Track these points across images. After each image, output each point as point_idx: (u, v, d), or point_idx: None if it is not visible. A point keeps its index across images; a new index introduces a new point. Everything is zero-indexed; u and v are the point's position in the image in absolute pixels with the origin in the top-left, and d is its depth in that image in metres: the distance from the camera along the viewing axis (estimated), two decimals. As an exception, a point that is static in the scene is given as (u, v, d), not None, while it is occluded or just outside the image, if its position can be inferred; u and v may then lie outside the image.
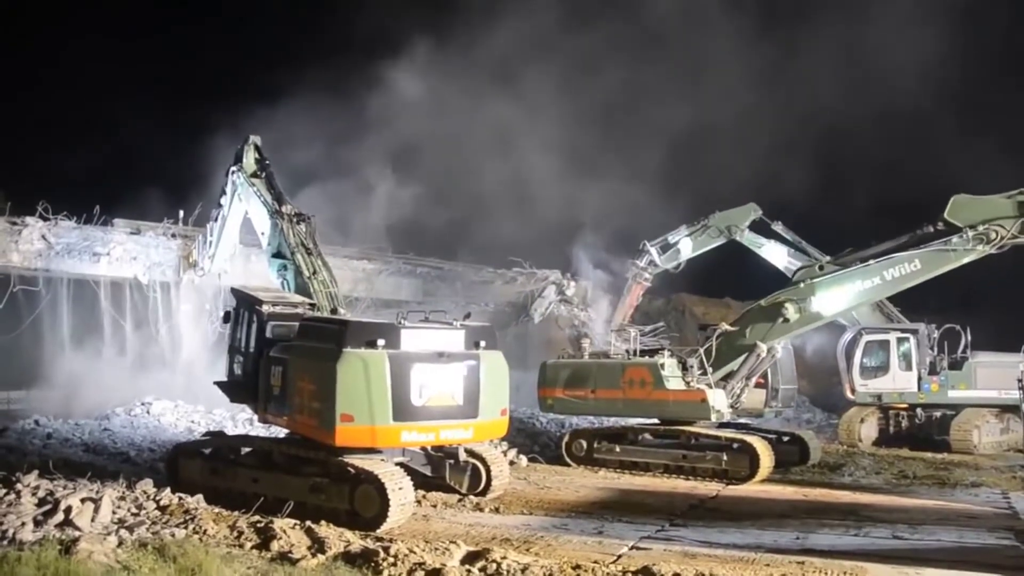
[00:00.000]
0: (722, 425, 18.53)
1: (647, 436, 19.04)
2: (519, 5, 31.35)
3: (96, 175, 34.99)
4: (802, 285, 17.89)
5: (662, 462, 18.26)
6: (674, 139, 31.73)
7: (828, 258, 18.78)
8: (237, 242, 20.24)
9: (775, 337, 18.02)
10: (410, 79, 28.96)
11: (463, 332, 13.62)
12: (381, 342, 12.64)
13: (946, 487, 17.24)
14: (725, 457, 17.56)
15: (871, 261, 17.29)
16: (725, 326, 18.51)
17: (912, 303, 25.41)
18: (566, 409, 20.22)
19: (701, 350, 18.41)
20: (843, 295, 17.69)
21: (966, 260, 16.67)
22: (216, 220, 20.15)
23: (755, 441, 17.48)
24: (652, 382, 18.28)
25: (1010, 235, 16.17)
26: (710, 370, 18.19)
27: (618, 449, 18.83)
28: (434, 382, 13.01)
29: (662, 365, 18.35)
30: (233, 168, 18.51)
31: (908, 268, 16.94)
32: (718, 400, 17.85)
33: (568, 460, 19.09)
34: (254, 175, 18.09)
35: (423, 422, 12.93)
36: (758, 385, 19.12)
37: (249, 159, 18.24)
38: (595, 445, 19.05)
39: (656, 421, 18.93)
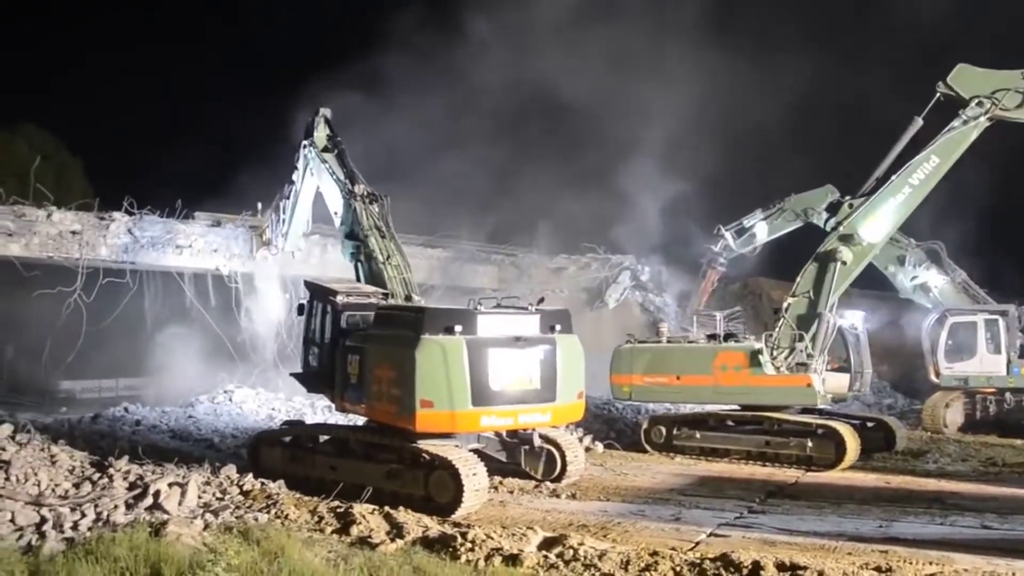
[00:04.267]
0: (803, 410, 18.10)
1: (729, 422, 18.52)
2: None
3: (177, 170, 35.87)
4: (842, 228, 18.18)
5: (744, 448, 17.83)
6: (752, 122, 31.27)
7: (848, 198, 18.77)
8: (310, 218, 19.91)
9: (840, 285, 17.95)
10: (486, 61, 29.04)
11: (538, 316, 13.61)
12: (458, 328, 12.68)
13: (1037, 475, 16.65)
14: (810, 443, 17.06)
15: (892, 177, 17.92)
16: (789, 300, 18.28)
17: (1001, 284, 24.76)
18: (646, 396, 19.58)
19: (778, 331, 18.07)
20: (884, 217, 18.11)
21: (974, 137, 17.61)
22: (288, 197, 19.88)
23: (841, 427, 17.05)
24: (749, 367, 17.80)
25: (1010, 108, 17.40)
26: (819, 354, 17.71)
27: (699, 435, 18.37)
28: (511, 366, 13.04)
29: (760, 350, 17.84)
30: (304, 142, 18.35)
31: (929, 167, 17.75)
32: (822, 384, 17.48)
33: (647, 447, 18.71)
34: (325, 149, 17.90)
35: (502, 406, 12.96)
36: (840, 369, 18.68)
37: (320, 133, 18.07)
38: (675, 432, 18.62)
39: (735, 407, 18.48)
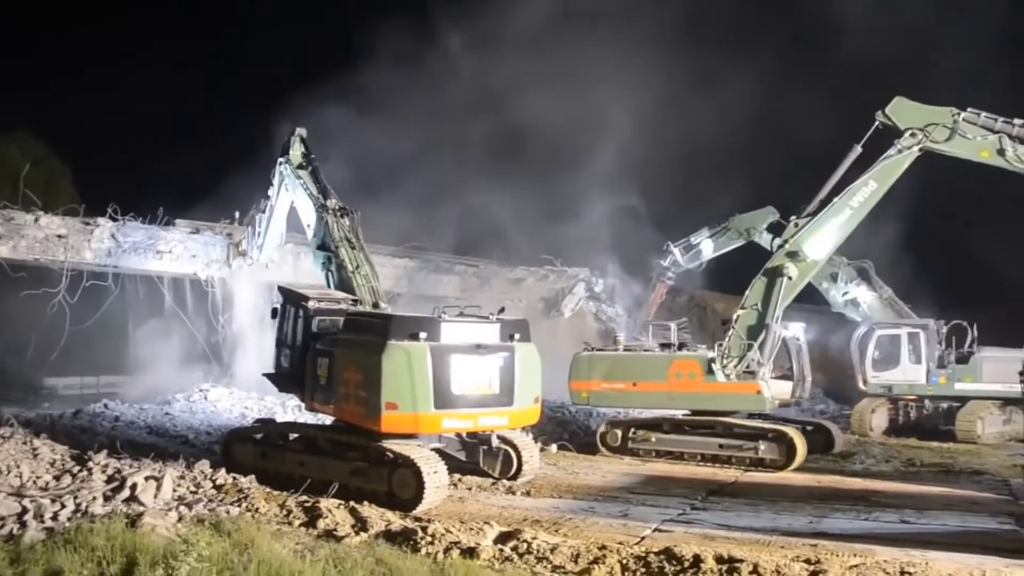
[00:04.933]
0: (749, 415, 18.09)
1: (685, 427, 18.32)
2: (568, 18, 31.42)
3: (160, 178, 35.45)
4: (788, 245, 18.23)
5: (698, 451, 17.71)
6: (701, 144, 31.59)
7: (793, 217, 18.76)
8: (284, 231, 19.93)
9: (786, 300, 18.01)
10: (452, 80, 29.11)
11: (498, 325, 13.60)
12: (423, 335, 12.65)
13: (951, 474, 16.92)
14: (762, 446, 17.06)
15: (834, 199, 18.03)
16: (738, 312, 18.36)
17: (922, 300, 25.22)
18: (603, 401, 19.49)
19: (728, 341, 18.13)
20: (827, 236, 18.18)
21: (907, 164, 17.80)
22: (264, 211, 19.90)
23: (791, 430, 17.10)
24: (702, 375, 17.82)
25: (939, 141, 17.48)
26: (766, 362, 17.81)
27: (654, 439, 18.20)
28: (472, 372, 13.02)
29: (714, 359, 17.86)
30: (281, 159, 18.30)
31: (867, 191, 17.92)
32: (770, 391, 17.58)
33: (603, 449, 18.45)
34: (300, 167, 17.86)
35: (462, 409, 12.94)
36: (782, 377, 18.83)
37: (296, 151, 18.03)
38: (631, 435, 18.44)
39: (687, 412, 18.42)
